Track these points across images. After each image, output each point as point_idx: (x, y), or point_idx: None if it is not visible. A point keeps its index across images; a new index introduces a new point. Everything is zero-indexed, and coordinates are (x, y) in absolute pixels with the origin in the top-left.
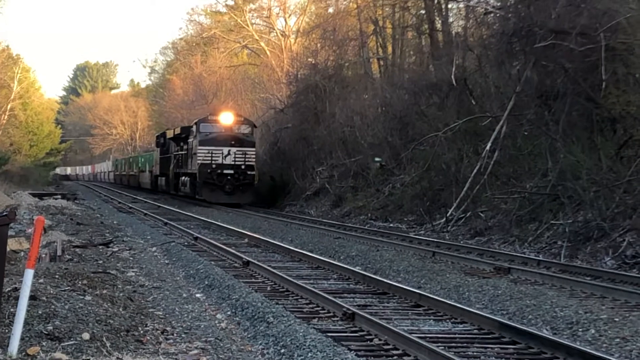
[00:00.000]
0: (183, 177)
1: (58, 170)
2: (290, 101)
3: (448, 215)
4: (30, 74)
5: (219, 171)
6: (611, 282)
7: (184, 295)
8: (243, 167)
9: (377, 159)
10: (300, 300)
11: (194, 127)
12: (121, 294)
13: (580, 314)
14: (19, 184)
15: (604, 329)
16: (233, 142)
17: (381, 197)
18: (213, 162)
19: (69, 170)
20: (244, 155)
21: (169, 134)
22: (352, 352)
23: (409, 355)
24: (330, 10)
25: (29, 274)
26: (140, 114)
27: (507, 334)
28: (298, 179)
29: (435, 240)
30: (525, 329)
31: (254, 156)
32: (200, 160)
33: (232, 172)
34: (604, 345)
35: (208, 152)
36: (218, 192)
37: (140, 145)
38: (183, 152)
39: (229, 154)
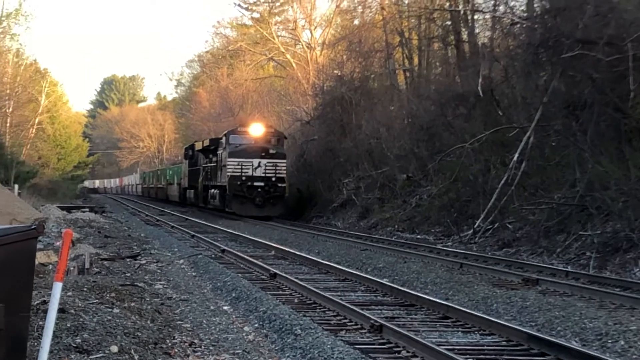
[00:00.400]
0: (212, 190)
1: (87, 184)
2: (316, 113)
3: (475, 226)
4: (58, 88)
5: (249, 183)
6: None
7: (212, 307)
8: (274, 179)
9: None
10: (327, 312)
11: (224, 138)
12: (149, 307)
13: (609, 325)
14: (47, 197)
15: (633, 340)
16: (263, 154)
17: (408, 209)
18: (243, 174)
19: (97, 184)
20: (274, 167)
21: (198, 146)
22: None
23: None
24: (356, 22)
25: (58, 286)
26: (167, 126)
27: (536, 345)
28: (324, 190)
29: (463, 251)
30: (554, 340)
31: (284, 168)
32: (230, 172)
33: (262, 184)
34: (634, 356)
35: (238, 164)
36: (248, 205)
37: (167, 158)
38: (212, 165)
39: (259, 165)
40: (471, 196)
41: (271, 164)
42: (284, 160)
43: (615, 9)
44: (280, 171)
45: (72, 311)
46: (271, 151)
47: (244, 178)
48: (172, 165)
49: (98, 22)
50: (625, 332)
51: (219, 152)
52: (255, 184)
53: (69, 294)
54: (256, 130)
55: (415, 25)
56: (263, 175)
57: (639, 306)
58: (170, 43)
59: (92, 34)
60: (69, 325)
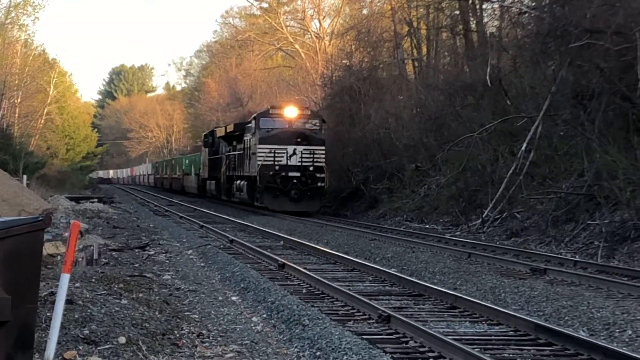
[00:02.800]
0: (238, 181)
1: (101, 174)
2: (325, 103)
3: (484, 216)
4: (67, 78)
5: (283, 174)
6: None
7: (220, 298)
8: (311, 168)
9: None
10: (335, 302)
11: (253, 122)
12: (157, 298)
13: (617, 315)
14: (56, 188)
15: None
16: (299, 140)
17: (417, 199)
18: (276, 163)
19: (111, 174)
20: (312, 155)
21: (219, 132)
22: (387, 354)
23: (445, 358)
24: (365, 11)
25: (65, 278)
26: (176, 116)
27: (544, 335)
28: (333, 180)
29: (471, 241)
30: (562, 330)
31: (323, 156)
32: (260, 161)
33: (298, 174)
34: None
35: (270, 152)
36: (282, 199)
37: (176, 148)
38: (238, 152)
39: (294, 153)
40: (479, 186)
41: (308, 152)
42: (323, 147)
43: None
44: (319, 159)
45: (80, 302)
46: (308, 136)
47: (277, 168)
48: (189, 154)
49: (107, 12)
50: (633, 322)
51: (247, 138)
52: (290, 174)
53: (77, 285)
54: (291, 112)
55: (424, 14)
56: (299, 164)
57: None
58: (179, 33)
59: (101, 24)
60: (76, 316)
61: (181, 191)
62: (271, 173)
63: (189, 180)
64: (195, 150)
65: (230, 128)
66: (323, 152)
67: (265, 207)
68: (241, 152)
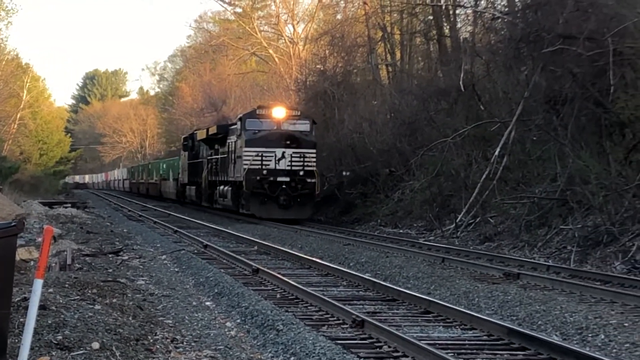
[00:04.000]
0: (222, 187)
1: (77, 179)
2: (299, 108)
3: (457, 220)
4: (40, 83)
5: (271, 179)
6: (621, 287)
7: (194, 303)
8: (301, 173)
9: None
10: (309, 307)
11: (238, 123)
12: (131, 303)
13: (589, 319)
14: (29, 193)
15: (613, 334)
16: (288, 142)
17: (391, 203)
18: (264, 167)
19: (87, 179)
20: (302, 159)
21: (200, 135)
22: (361, 359)
23: None
24: (339, 17)
25: (39, 283)
26: (150, 121)
27: (517, 340)
28: None
29: (445, 246)
30: (535, 334)
31: (314, 159)
32: (247, 164)
33: (287, 179)
34: (614, 350)
35: (257, 155)
36: (270, 206)
37: (150, 153)
38: (221, 156)
39: (283, 156)
40: (453, 190)
41: (298, 155)
42: (314, 150)
43: (596, 4)
44: (310, 163)
45: (54, 308)
46: (298, 139)
47: (264, 172)
48: (168, 158)
49: (80, 16)
50: (606, 326)
51: (231, 140)
52: (279, 179)
53: (50, 290)
54: (279, 112)
55: (398, 20)
56: (288, 168)
57: (619, 300)
58: (152, 38)
59: (74, 29)
60: (50, 322)
61: (159, 197)
62: (258, 178)
63: (167, 185)
64: (170, 155)
65: (213, 130)
66: (314, 155)
67: (252, 215)
68: (225, 155)
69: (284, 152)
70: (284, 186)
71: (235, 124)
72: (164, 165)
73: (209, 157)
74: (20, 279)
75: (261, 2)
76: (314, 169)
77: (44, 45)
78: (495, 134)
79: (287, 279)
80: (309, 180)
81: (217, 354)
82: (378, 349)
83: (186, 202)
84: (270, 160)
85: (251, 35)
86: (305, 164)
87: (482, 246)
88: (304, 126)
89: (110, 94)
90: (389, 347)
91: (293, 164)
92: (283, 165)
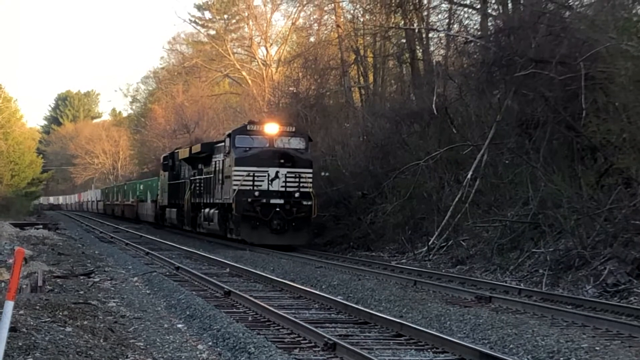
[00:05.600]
0: (207, 210)
1: (52, 200)
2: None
3: (430, 243)
4: (12, 104)
5: (264, 201)
6: (592, 310)
7: (165, 325)
8: (297, 194)
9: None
10: (281, 330)
11: (227, 140)
12: (102, 325)
13: (561, 342)
14: (0, 214)
15: (585, 357)
16: (282, 161)
17: (363, 226)
18: (255, 188)
19: (60, 200)
20: (297, 179)
21: (182, 153)
22: None
23: None
24: (312, 39)
25: (9, 305)
26: (122, 143)
27: None
28: None
29: (417, 269)
30: (507, 358)
31: (310, 180)
32: (237, 185)
33: (281, 202)
34: None
35: (248, 175)
36: (262, 230)
37: (122, 175)
38: (205, 176)
39: (277, 177)
40: (425, 213)
41: (293, 175)
42: (310, 170)
43: (568, 29)
44: (306, 184)
45: (24, 330)
46: (293, 157)
47: (256, 194)
48: (145, 179)
49: (53, 37)
50: (577, 350)
51: (217, 159)
52: (272, 201)
53: (21, 312)
54: (272, 128)
55: (371, 43)
56: (283, 189)
57: (591, 324)
58: (126, 59)
59: (47, 49)
60: (20, 344)
61: (135, 220)
62: (249, 200)
63: (144, 207)
64: (142, 176)
65: (197, 149)
66: (310, 175)
67: (242, 240)
68: (210, 175)
69: (277, 172)
70: (277, 209)
71: (223, 141)
72: (141, 186)
73: (192, 178)
74: None
75: (234, 24)
76: (311, 190)
77: (16, 66)
78: (468, 157)
79: (259, 302)
80: (305, 202)
81: None
82: None
83: (166, 225)
84: (262, 181)
85: (224, 57)
86: (301, 184)
87: (454, 269)
88: (299, 143)
89: (82, 115)
90: None
91: (288, 184)
92: (277, 186)
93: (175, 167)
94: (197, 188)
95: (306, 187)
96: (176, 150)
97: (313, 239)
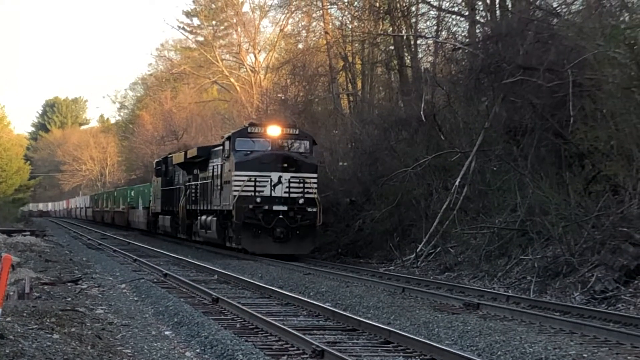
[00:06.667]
0: (204, 217)
1: (41, 206)
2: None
3: (418, 250)
4: None
5: (266, 207)
6: (580, 317)
7: (153, 332)
8: (301, 201)
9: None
10: (269, 337)
11: (226, 144)
12: (89, 332)
13: (549, 349)
14: None
15: None
16: (286, 165)
17: (351, 233)
18: (257, 194)
19: (49, 206)
20: (301, 184)
21: (177, 158)
22: None
23: None
24: (300, 46)
25: None
26: (110, 149)
27: None
28: None
29: (405, 275)
30: None
31: (315, 185)
32: (237, 191)
33: (285, 208)
34: None
35: (250, 180)
36: (265, 239)
37: (110, 181)
38: (202, 182)
39: (280, 182)
40: (414, 220)
41: (297, 180)
42: (315, 175)
43: (556, 36)
44: (310, 190)
45: (11, 337)
46: (297, 161)
47: (258, 200)
48: (136, 185)
49: (40, 43)
50: (565, 357)
51: (215, 163)
52: (275, 208)
53: (8, 319)
54: (274, 131)
55: (359, 49)
56: (286, 195)
57: (579, 331)
58: (114, 65)
59: (34, 55)
60: (7, 351)
61: (126, 227)
62: (251, 207)
63: (135, 214)
64: (130, 183)
65: (193, 153)
66: (315, 180)
67: (242, 250)
68: (207, 181)
69: (280, 177)
70: (280, 216)
71: (222, 144)
72: (132, 193)
73: (187, 184)
74: None
75: (223, 31)
76: (316, 196)
77: (3, 72)
78: (456, 164)
79: (247, 309)
80: (309, 209)
81: None
82: None
83: (158, 233)
84: (264, 186)
85: (212, 63)
86: (306, 190)
87: (442, 276)
88: (303, 146)
89: (70, 121)
90: None
91: (291, 190)
92: (280, 191)
93: (168, 173)
94: (193, 194)
95: (311, 193)
96: (170, 155)
97: (317, 249)
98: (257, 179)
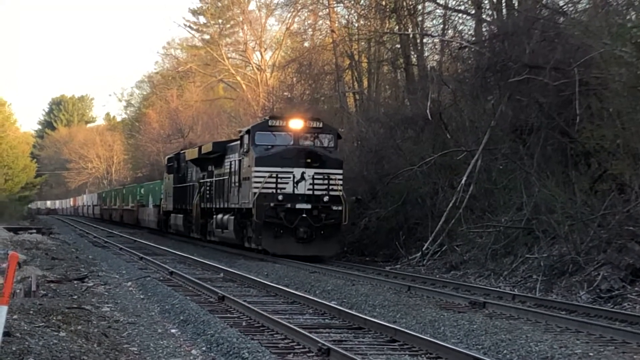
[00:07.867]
0: (219, 216)
1: (49, 204)
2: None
3: (424, 249)
4: (6, 108)
5: (288, 205)
6: (586, 316)
7: (159, 330)
8: (326, 198)
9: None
10: (275, 335)
11: (245, 137)
12: (96, 330)
13: (555, 348)
14: None
15: None
16: (309, 160)
17: (357, 231)
18: (279, 191)
19: (57, 204)
20: (326, 181)
21: (190, 154)
22: None
23: None
24: (306, 44)
25: (3, 310)
26: (116, 147)
27: None
28: None
29: (411, 274)
30: None
31: (340, 182)
32: (257, 188)
33: (308, 206)
34: None
35: (271, 176)
36: (287, 239)
37: (116, 179)
38: (217, 179)
39: (303, 178)
40: (419, 219)
41: (321, 176)
42: (341, 171)
43: (562, 34)
44: (335, 187)
45: (18, 335)
46: (321, 156)
47: (280, 198)
48: (147, 182)
49: (47, 41)
50: (571, 356)
51: (232, 159)
52: (298, 206)
53: (15, 317)
54: (297, 124)
55: (365, 48)
56: (310, 192)
57: (584, 329)
58: (120, 63)
59: (41, 53)
60: (14, 349)
61: (135, 225)
62: (272, 205)
63: (145, 212)
64: (137, 181)
65: (208, 148)
66: (340, 176)
67: (263, 250)
68: (223, 177)
69: (303, 173)
70: (304, 215)
71: (239, 139)
72: (142, 190)
73: (201, 180)
74: None
75: (229, 29)
76: (341, 193)
77: (10, 70)
78: (462, 162)
79: (253, 307)
80: (334, 207)
81: None
82: None
83: (170, 232)
84: (287, 183)
85: (219, 62)
86: (331, 187)
87: (448, 275)
88: (327, 140)
89: (76, 119)
90: None
91: (315, 187)
92: (303, 189)
93: (181, 169)
94: (208, 191)
95: (336, 190)
96: (182, 151)
97: (342, 250)
98: (279, 175)
